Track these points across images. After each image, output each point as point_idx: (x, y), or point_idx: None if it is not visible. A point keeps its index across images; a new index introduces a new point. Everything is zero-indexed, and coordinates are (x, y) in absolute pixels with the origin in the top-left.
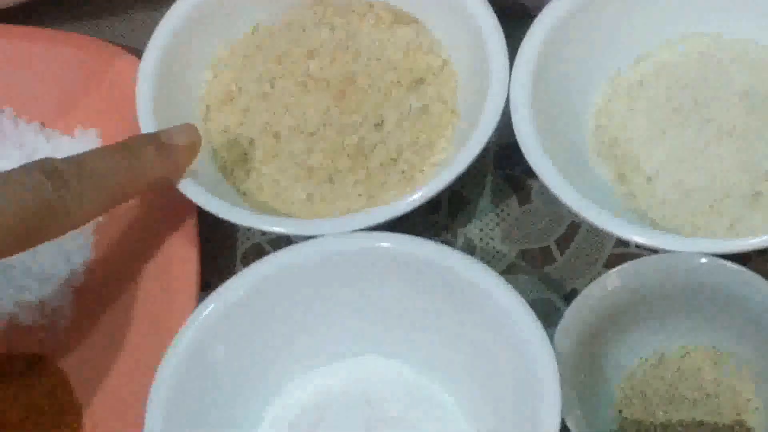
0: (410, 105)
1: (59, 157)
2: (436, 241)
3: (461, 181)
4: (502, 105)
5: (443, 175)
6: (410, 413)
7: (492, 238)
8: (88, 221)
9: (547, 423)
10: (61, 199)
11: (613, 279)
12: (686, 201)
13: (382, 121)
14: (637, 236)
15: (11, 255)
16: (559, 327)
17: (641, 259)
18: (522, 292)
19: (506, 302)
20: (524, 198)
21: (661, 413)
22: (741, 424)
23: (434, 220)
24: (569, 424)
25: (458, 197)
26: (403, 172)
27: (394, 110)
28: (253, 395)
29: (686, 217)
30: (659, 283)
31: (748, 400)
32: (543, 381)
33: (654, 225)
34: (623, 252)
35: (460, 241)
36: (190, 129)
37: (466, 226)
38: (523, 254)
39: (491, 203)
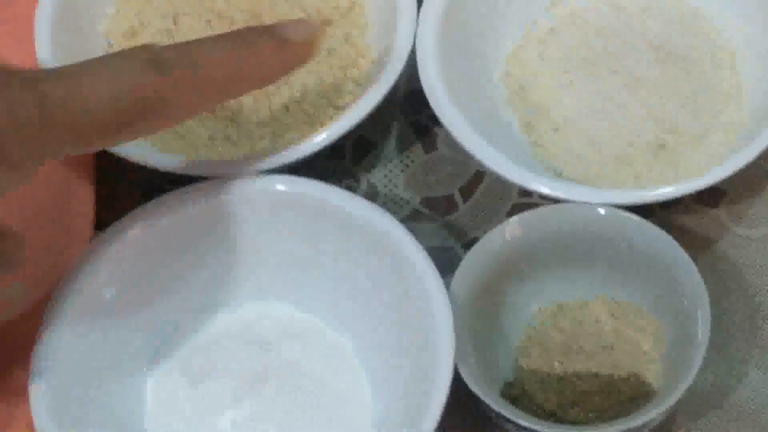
0: None
1: (167, 45)
2: (338, 186)
3: (367, 125)
4: (408, 49)
5: (348, 119)
6: (306, 358)
7: (396, 185)
8: (190, 117)
9: (441, 369)
10: (164, 90)
11: (511, 228)
12: (593, 151)
13: None
14: (540, 186)
15: (101, 147)
16: (456, 275)
17: (540, 208)
18: (424, 239)
19: (403, 249)
20: (430, 145)
21: (558, 364)
22: (637, 376)
23: (338, 164)
24: (461, 371)
25: (363, 142)
26: (307, 114)
27: None
28: (144, 338)
29: (593, 167)
30: (558, 232)
31: (645, 352)
32: (437, 328)
33: (560, 175)
34: (527, 202)
35: (364, 186)
36: (310, 25)
37: (370, 171)
38: (427, 201)
39: (396, 149)
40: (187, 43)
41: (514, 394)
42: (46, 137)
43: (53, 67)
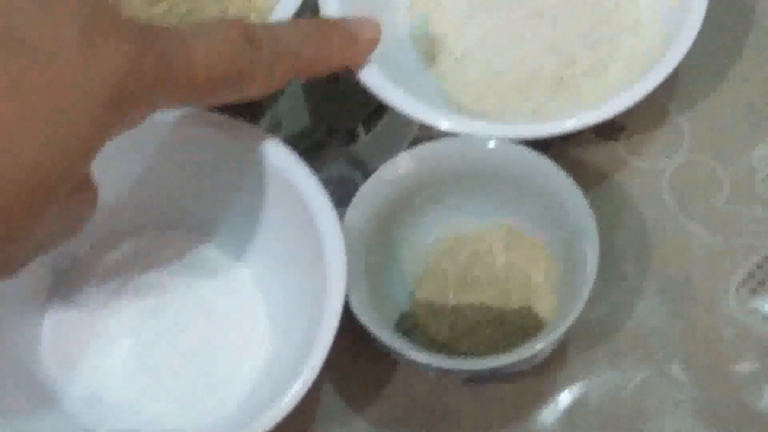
0: None
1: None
2: (239, 118)
3: None
4: None
5: None
6: (205, 287)
7: (299, 116)
8: (269, 92)
9: (331, 300)
10: (253, 63)
11: (405, 161)
12: (494, 83)
13: None
14: (438, 121)
15: (195, 105)
16: (349, 208)
17: (430, 142)
18: (326, 170)
19: (298, 180)
20: (334, 76)
21: (452, 295)
22: (529, 308)
23: None
24: (352, 302)
25: None
26: None
27: None
28: (42, 272)
29: (494, 100)
30: (450, 166)
31: (538, 284)
32: (329, 260)
33: (462, 107)
34: (429, 134)
35: (267, 117)
36: (373, 24)
37: (272, 105)
38: (330, 132)
39: (300, 82)
40: (273, 25)
41: (408, 326)
42: (161, 88)
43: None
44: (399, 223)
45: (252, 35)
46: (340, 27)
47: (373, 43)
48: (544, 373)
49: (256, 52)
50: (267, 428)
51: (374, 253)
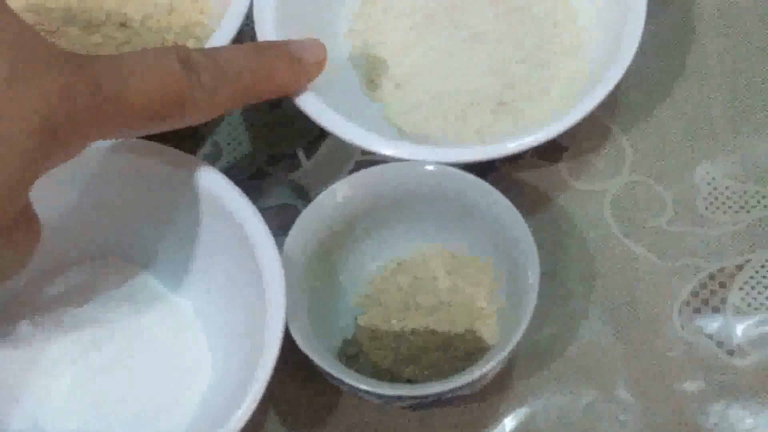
0: (156, 3)
1: (195, 48)
2: (181, 145)
3: None
4: (246, 4)
5: None
6: (146, 318)
7: (240, 143)
8: (212, 117)
9: (271, 329)
10: (193, 89)
11: (344, 187)
12: (435, 107)
13: (127, 20)
14: (379, 147)
15: (134, 136)
16: (289, 236)
17: (371, 168)
18: (268, 197)
19: (237, 210)
20: (275, 103)
21: (395, 321)
22: (473, 332)
23: None
24: (292, 331)
25: None
26: None
27: (140, 9)
28: None
29: (435, 124)
30: (390, 191)
31: (481, 308)
32: (268, 289)
33: (404, 132)
34: (371, 159)
35: (208, 145)
36: (318, 46)
37: (213, 131)
38: (272, 159)
39: (242, 108)
40: (214, 50)
41: (351, 352)
42: (95, 119)
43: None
44: (341, 249)
45: (191, 61)
46: (284, 50)
47: (319, 65)
48: (490, 397)
49: (196, 77)
50: None
51: (316, 280)
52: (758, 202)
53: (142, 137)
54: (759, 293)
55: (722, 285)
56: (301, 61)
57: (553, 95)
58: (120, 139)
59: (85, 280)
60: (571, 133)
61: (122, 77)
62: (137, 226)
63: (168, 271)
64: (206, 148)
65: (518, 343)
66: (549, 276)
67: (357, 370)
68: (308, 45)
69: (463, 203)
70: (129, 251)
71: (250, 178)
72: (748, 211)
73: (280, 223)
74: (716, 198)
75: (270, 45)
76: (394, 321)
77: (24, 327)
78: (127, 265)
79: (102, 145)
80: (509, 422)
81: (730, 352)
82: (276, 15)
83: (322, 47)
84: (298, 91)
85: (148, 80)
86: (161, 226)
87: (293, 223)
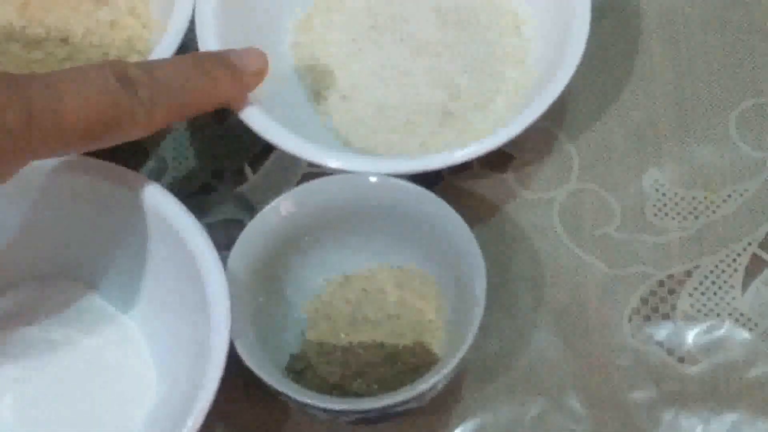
0: (98, 19)
1: (132, 63)
2: (125, 161)
3: None
4: (188, 17)
5: None
6: (91, 338)
7: (186, 157)
8: (152, 131)
9: (216, 346)
10: (130, 105)
11: (287, 202)
12: (381, 119)
13: (68, 36)
14: (324, 159)
15: (72, 153)
16: (232, 252)
17: (313, 181)
18: (213, 212)
19: (180, 224)
20: (221, 116)
21: (343, 335)
22: (422, 345)
23: None
24: (237, 347)
25: None
26: None
27: (81, 24)
28: None
29: (380, 136)
30: (334, 204)
31: (430, 320)
32: (212, 305)
33: (350, 144)
34: (317, 171)
35: (153, 160)
36: (259, 54)
37: (159, 145)
38: (216, 174)
39: (186, 122)
40: (150, 63)
41: (299, 367)
42: (29, 139)
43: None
44: (286, 264)
45: (127, 75)
46: (224, 60)
47: (261, 74)
48: (439, 410)
49: (133, 93)
50: None
51: (262, 296)
52: (706, 207)
53: (86, 153)
54: (708, 299)
55: (671, 292)
56: (241, 70)
57: (498, 105)
58: (61, 157)
59: (31, 300)
60: (518, 141)
61: (57, 96)
62: (82, 245)
63: (114, 289)
64: (151, 163)
65: (466, 356)
66: (497, 286)
67: (304, 386)
68: (248, 54)
69: (410, 215)
70: (75, 270)
71: (196, 192)
72: (696, 217)
73: (226, 238)
74: (664, 204)
75: (209, 55)
76: (342, 335)
77: None
78: (72, 285)
79: (44, 163)
80: None
81: (681, 360)
82: (218, 29)
83: (263, 56)
84: (243, 105)
85: (83, 98)
86: (106, 245)
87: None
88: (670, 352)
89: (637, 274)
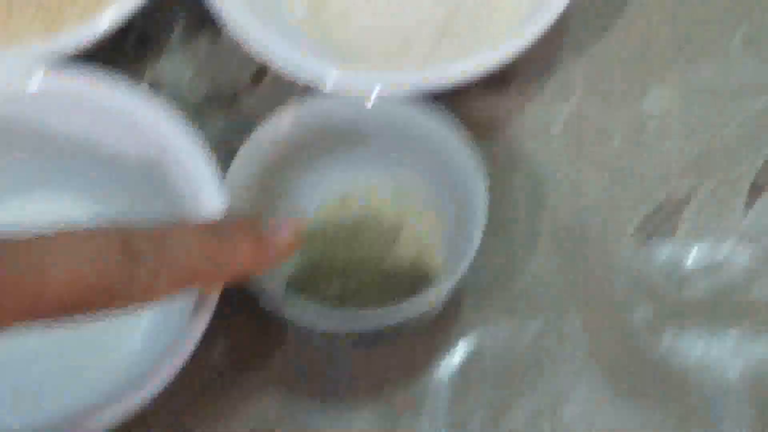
0: None
1: (138, 228)
2: (118, 78)
3: (149, 17)
4: None
5: (126, 3)
6: None
7: (181, 77)
8: (152, 302)
9: None
10: (131, 280)
11: (284, 120)
12: (379, 36)
13: None
14: (321, 78)
15: (48, 323)
16: (230, 169)
17: (312, 99)
18: (210, 132)
19: (179, 143)
20: (216, 35)
21: (341, 254)
22: (420, 264)
23: (120, 58)
24: None
25: (146, 35)
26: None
27: None
28: None
29: (380, 52)
30: (333, 122)
31: (428, 240)
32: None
33: (347, 62)
34: (315, 91)
35: (147, 80)
36: (293, 224)
37: (154, 66)
38: (213, 93)
39: (182, 41)
40: (163, 231)
41: (296, 287)
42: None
43: (17, 234)
44: (284, 183)
45: (130, 248)
46: (248, 227)
47: (291, 248)
48: (437, 330)
49: (135, 268)
50: (154, 391)
51: (261, 215)
52: (708, 128)
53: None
54: (710, 220)
55: (672, 212)
56: (268, 241)
57: (498, 23)
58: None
59: (27, 213)
60: (519, 60)
61: (38, 264)
62: (76, 158)
63: (111, 204)
64: (147, 80)
65: (464, 275)
66: (497, 206)
67: (302, 302)
68: (279, 222)
69: (410, 134)
70: (70, 183)
71: (191, 112)
72: (698, 138)
73: (223, 159)
74: (666, 125)
75: (233, 226)
76: (340, 254)
77: None
78: (68, 197)
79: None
80: (458, 352)
81: (681, 280)
82: None
83: (295, 225)
84: (237, 21)
85: (73, 270)
86: (101, 158)
87: (233, 158)
88: (670, 272)
89: (638, 194)
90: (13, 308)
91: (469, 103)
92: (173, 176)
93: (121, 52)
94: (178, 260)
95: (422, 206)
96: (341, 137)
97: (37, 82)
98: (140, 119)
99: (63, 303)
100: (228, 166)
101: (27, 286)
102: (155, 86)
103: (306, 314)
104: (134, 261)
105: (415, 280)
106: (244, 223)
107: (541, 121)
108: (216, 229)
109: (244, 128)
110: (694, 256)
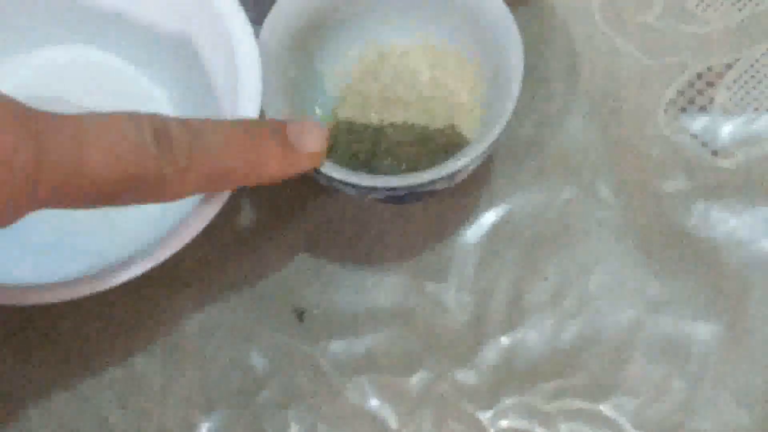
0: None
1: (173, 118)
2: None
3: None
4: None
5: None
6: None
7: None
8: (181, 198)
9: (247, 115)
10: (162, 165)
11: None
12: None
13: None
14: None
15: (83, 209)
16: (265, 22)
17: None
18: None
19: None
20: None
21: (374, 114)
22: (453, 126)
23: None
24: (268, 117)
25: None
26: None
27: None
28: None
29: None
30: None
31: (463, 102)
32: (244, 76)
33: None
34: None
35: None
36: (320, 132)
37: None
38: None
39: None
40: (196, 123)
41: (329, 144)
42: (33, 192)
43: (59, 113)
44: (319, 39)
45: (165, 133)
46: (278, 133)
47: (315, 158)
48: (469, 192)
49: (169, 153)
50: (191, 236)
51: (293, 70)
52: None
53: None
54: (747, 93)
55: (710, 84)
56: (296, 150)
57: None
58: None
59: (54, 65)
60: None
61: (76, 143)
62: (107, 11)
63: (141, 56)
64: None
65: (498, 139)
66: (532, 71)
67: (334, 162)
68: (308, 130)
69: None
70: (98, 36)
71: None
72: (739, 9)
73: (256, 13)
74: None
75: (263, 125)
76: (373, 113)
77: None
78: (96, 50)
79: None
80: (488, 217)
81: (715, 153)
82: None
83: (324, 136)
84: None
85: (108, 151)
86: (134, 13)
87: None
88: (704, 144)
89: (675, 64)
90: (50, 184)
91: None
92: (208, 30)
93: None
94: (210, 153)
95: (459, 67)
96: None
97: None
98: None
99: (98, 185)
100: (262, 20)
101: (65, 161)
102: None
103: (336, 174)
104: (168, 148)
105: (450, 141)
106: (275, 126)
107: None
108: (247, 130)
109: None
110: (729, 128)
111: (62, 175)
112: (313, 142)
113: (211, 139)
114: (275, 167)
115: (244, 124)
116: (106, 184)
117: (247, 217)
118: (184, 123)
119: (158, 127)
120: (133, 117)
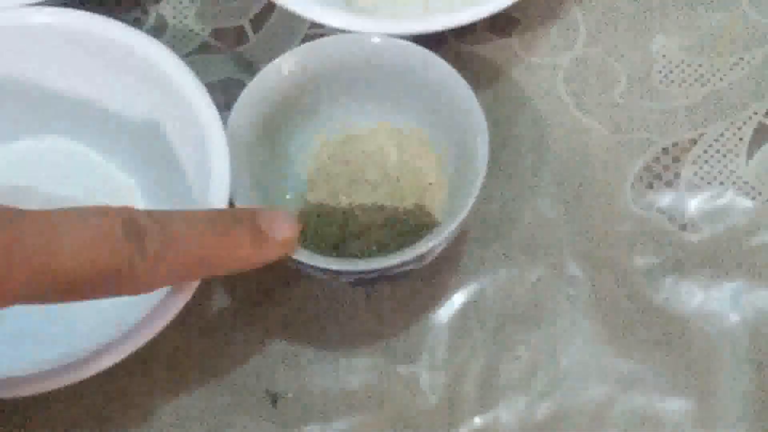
0: None
1: (142, 210)
2: (123, 18)
3: None
4: None
5: None
6: (91, 198)
7: (185, 16)
8: (153, 290)
9: (216, 203)
10: (135, 260)
11: (289, 61)
12: None
13: None
14: (326, 18)
15: (53, 303)
16: (233, 109)
17: (317, 40)
18: (214, 72)
19: (182, 83)
20: None
21: (343, 197)
22: (421, 207)
23: None
24: (237, 205)
25: None
26: None
27: None
28: None
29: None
30: (338, 63)
31: (430, 183)
32: (213, 165)
33: (353, 4)
34: (319, 33)
35: (152, 18)
36: (290, 221)
37: (158, 2)
38: (217, 33)
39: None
40: (166, 214)
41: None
42: (11, 284)
43: (28, 209)
44: (287, 124)
45: (136, 223)
46: (248, 222)
47: (287, 245)
48: (438, 273)
49: (139, 246)
50: (162, 326)
51: (262, 156)
52: (713, 75)
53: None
54: (712, 167)
55: (675, 159)
56: (267, 237)
57: None
58: (56, 9)
59: (27, 155)
60: (523, 5)
61: (48, 238)
62: (78, 101)
63: (111, 147)
64: (150, 21)
65: (467, 219)
66: (499, 150)
67: (304, 247)
68: (279, 219)
69: (413, 76)
70: (68, 126)
71: (195, 52)
72: (702, 85)
73: (225, 99)
74: (670, 71)
75: (233, 214)
76: (342, 196)
77: None
78: (68, 141)
79: (41, 16)
80: (458, 296)
81: (682, 227)
82: None
83: (294, 224)
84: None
85: (80, 245)
86: (103, 101)
87: (238, 97)
88: (672, 219)
89: (641, 140)
90: (21, 282)
91: (473, 46)
92: (177, 119)
93: None
94: (181, 244)
95: (425, 148)
96: (346, 78)
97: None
98: (143, 62)
99: (70, 280)
100: (231, 106)
101: (36, 258)
102: (158, 27)
103: (305, 260)
104: (138, 240)
105: (419, 222)
106: (246, 214)
107: (545, 65)
108: (217, 220)
109: (247, 69)
110: (695, 203)
111: (33, 272)
112: (285, 229)
113: (181, 230)
114: (246, 256)
115: (214, 214)
116: (78, 278)
117: (219, 302)
118: (153, 215)
119: (127, 219)
120: (103, 211)
